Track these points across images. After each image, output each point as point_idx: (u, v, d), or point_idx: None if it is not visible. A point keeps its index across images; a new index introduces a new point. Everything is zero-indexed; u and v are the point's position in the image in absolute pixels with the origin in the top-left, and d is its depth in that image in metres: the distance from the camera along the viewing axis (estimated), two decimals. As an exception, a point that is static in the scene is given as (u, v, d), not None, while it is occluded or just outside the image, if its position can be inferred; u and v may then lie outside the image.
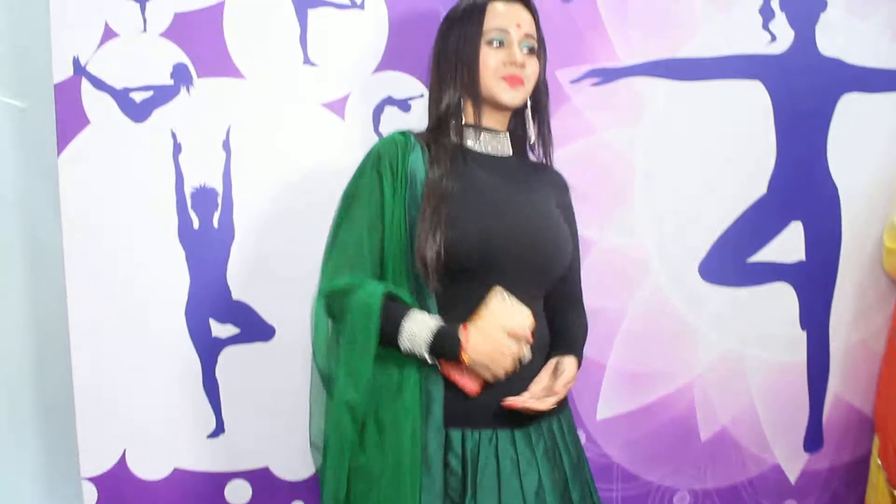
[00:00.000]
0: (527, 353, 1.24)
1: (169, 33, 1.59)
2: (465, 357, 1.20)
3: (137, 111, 1.58)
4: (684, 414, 1.81)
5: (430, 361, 1.21)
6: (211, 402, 1.63)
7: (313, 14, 1.62)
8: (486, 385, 1.23)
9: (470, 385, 1.22)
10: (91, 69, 1.57)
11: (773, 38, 1.80)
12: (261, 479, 1.68)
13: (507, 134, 1.41)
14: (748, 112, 1.80)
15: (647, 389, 1.81)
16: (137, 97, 1.58)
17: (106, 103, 1.58)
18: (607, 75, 1.76)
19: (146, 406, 1.62)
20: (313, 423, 1.34)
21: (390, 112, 1.63)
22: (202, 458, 1.65)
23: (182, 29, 1.58)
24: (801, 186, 1.83)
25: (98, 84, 1.57)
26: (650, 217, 1.78)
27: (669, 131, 1.78)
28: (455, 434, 1.24)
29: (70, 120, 1.57)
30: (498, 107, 1.35)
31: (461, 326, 1.21)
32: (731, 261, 1.82)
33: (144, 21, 1.57)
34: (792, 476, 1.87)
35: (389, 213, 1.26)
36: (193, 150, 1.60)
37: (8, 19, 1.72)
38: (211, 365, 1.63)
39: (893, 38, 1.82)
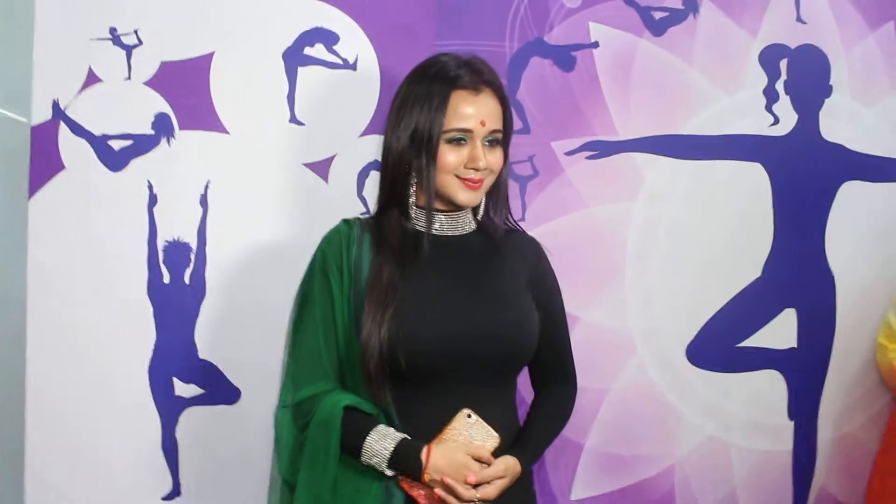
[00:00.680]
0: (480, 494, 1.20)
1: (153, 82, 1.55)
2: (426, 477, 1.18)
3: (115, 159, 1.55)
4: (663, 500, 1.77)
5: (389, 475, 1.20)
6: (168, 463, 1.58)
7: (303, 72, 1.59)
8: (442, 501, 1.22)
9: (427, 501, 1.21)
10: (70, 113, 1.54)
11: (777, 120, 1.78)
12: (213, 547, 1.63)
13: (468, 210, 1.31)
14: (747, 193, 1.78)
15: (626, 472, 1.77)
16: (116, 145, 1.55)
17: (83, 149, 1.54)
18: (604, 149, 1.72)
19: (101, 464, 1.58)
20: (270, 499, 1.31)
21: (376, 177, 1.58)
22: (155, 521, 1.60)
23: (167, 78, 1.55)
24: (797, 272, 1.81)
25: (76, 129, 1.54)
26: (638, 296, 1.75)
27: (664, 209, 1.75)
28: None
29: (45, 163, 1.54)
30: (453, 203, 1.27)
31: (425, 447, 1.19)
32: (719, 345, 1.79)
33: (129, 68, 1.54)
34: (774, 570, 1.82)
35: (340, 314, 1.23)
36: (169, 203, 1.57)
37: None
38: (171, 425, 1.58)
39: (896, 128, 1.81)
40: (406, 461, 1.18)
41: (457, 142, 1.23)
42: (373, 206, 1.58)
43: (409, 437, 1.20)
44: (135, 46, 1.54)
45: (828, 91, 1.79)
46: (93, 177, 1.55)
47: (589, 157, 1.71)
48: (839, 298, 1.80)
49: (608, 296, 1.73)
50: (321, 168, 1.60)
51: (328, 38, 1.59)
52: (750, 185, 1.77)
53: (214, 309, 1.58)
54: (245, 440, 1.58)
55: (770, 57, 1.77)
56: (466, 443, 1.19)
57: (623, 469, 1.76)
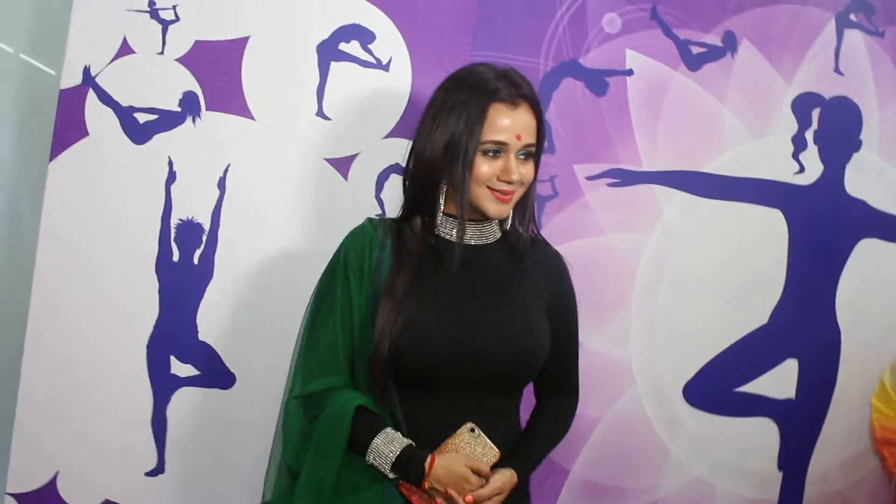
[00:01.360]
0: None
1: (186, 59, 1.55)
2: (426, 484, 1.19)
3: (139, 132, 1.54)
4: (643, 535, 1.76)
5: (391, 477, 1.21)
6: (156, 439, 1.57)
7: (336, 67, 1.58)
8: None
9: None
10: (100, 81, 1.53)
11: (802, 168, 1.77)
12: (192, 528, 1.62)
13: (494, 220, 1.30)
14: (763, 239, 1.77)
15: (608, 502, 1.75)
16: (141, 118, 1.54)
17: (109, 118, 1.54)
18: (627, 178, 1.71)
19: (89, 431, 1.56)
20: (269, 479, 1.31)
21: (395, 180, 1.58)
22: (136, 495, 1.58)
23: (200, 57, 1.55)
24: (804, 324, 1.79)
25: (104, 98, 1.53)
26: (643, 327, 1.74)
27: (678, 244, 1.74)
28: None
29: (69, 128, 1.53)
30: (482, 213, 1.27)
31: (429, 456, 1.20)
32: (718, 387, 1.78)
33: (164, 43, 1.53)
34: None
35: (358, 314, 1.23)
36: (187, 182, 1.56)
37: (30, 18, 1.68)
38: (163, 402, 1.57)
39: (923, 192, 1.79)
40: (409, 467, 1.19)
41: (492, 153, 1.22)
42: (390, 209, 1.59)
43: (414, 445, 1.20)
44: (172, 22, 1.53)
45: (857, 145, 1.78)
46: (115, 147, 1.54)
47: (610, 185, 1.70)
48: (843, 354, 1.79)
49: (613, 324, 1.72)
50: (342, 165, 1.59)
51: (365, 35, 1.58)
52: (767, 230, 1.76)
53: (220, 292, 1.57)
54: (235, 426, 1.58)
55: (803, 104, 1.76)
56: (467, 455, 1.20)
57: (606, 499, 1.75)
